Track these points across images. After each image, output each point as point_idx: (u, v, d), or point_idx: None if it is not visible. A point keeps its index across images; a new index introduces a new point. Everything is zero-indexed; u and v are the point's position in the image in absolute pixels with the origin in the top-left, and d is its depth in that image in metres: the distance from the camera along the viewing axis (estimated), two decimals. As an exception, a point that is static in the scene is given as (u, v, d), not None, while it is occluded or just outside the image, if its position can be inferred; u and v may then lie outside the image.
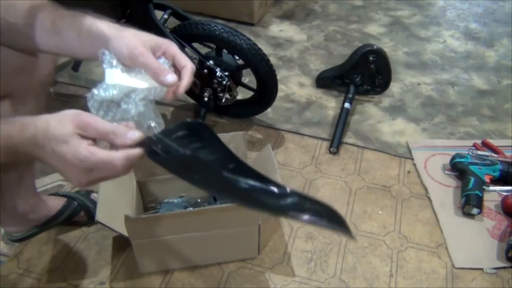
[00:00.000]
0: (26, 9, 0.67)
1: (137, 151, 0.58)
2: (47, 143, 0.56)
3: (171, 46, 0.66)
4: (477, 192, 1.23)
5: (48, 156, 0.57)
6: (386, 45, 1.95)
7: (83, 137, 0.57)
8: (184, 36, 1.35)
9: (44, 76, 0.87)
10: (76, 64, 1.58)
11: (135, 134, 0.57)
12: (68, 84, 1.67)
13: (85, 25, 0.65)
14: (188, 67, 0.66)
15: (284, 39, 1.99)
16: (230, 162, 0.60)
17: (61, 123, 0.56)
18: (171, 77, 0.62)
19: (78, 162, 0.56)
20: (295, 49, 1.93)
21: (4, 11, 0.68)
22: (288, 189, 0.57)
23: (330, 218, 0.54)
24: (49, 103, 0.95)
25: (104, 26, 0.65)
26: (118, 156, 0.56)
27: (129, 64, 0.63)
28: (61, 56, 0.84)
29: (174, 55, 0.65)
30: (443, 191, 1.30)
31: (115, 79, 0.63)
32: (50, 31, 0.66)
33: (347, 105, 1.53)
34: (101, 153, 0.56)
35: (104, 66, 0.63)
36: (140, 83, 0.63)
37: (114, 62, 0.63)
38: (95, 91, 0.61)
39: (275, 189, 0.57)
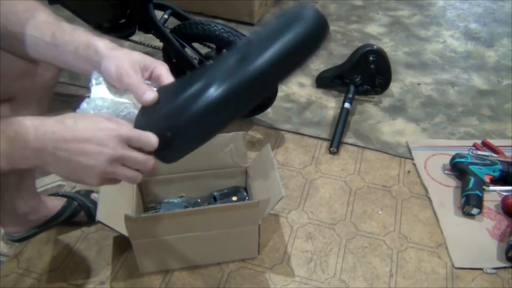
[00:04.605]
0: (27, 18, 0.67)
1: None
2: (80, 119, 0.59)
3: (159, 66, 0.66)
4: (477, 192, 1.23)
5: (74, 135, 0.58)
6: (386, 45, 1.95)
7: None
8: (184, 36, 1.35)
9: (47, 81, 0.87)
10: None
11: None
12: (68, 84, 1.67)
13: (84, 41, 0.66)
14: None
15: (284, 39, 1.99)
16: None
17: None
18: (149, 95, 0.62)
19: (114, 126, 0.59)
20: (295, 49, 1.92)
21: (4, 18, 0.67)
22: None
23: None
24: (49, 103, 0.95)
25: (101, 44, 0.65)
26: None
27: (116, 84, 0.64)
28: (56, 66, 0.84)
29: (159, 75, 0.66)
30: (443, 191, 1.30)
31: (100, 94, 0.65)
32: (49, 43, 0.67)
33: (347, 105, 1.53)
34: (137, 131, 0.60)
35: (90, 84, 0.65)
36: (123, 99, 0.66)
37: (101, 80, 0.66)
38: (83, 104, 0.64)
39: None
